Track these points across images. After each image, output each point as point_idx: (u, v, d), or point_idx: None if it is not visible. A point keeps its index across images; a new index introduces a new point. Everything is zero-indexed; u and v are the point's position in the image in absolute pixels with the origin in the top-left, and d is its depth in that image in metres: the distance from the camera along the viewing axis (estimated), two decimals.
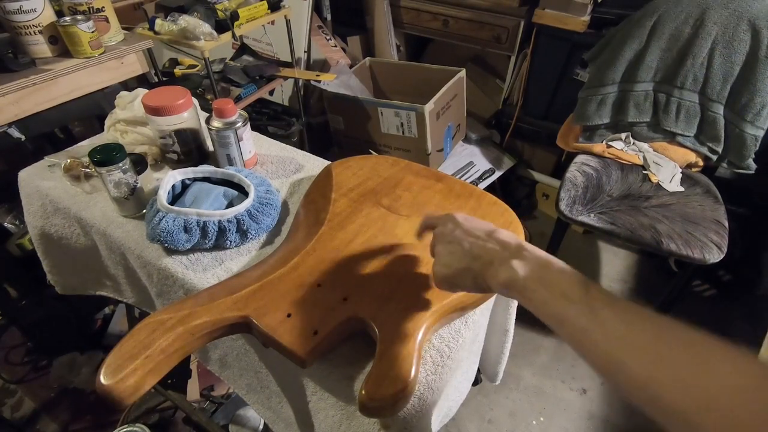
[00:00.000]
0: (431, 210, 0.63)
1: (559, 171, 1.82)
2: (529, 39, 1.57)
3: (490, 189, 1.72)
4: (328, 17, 1.86)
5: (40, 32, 0.95)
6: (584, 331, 0.32)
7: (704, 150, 1.29)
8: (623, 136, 1.37)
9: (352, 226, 0.59)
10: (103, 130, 0.83)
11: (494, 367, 0.82)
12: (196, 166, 0.68)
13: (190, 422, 1.15)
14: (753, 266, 1.54)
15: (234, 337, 0.62)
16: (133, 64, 1.11)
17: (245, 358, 0.63)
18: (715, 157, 1.29)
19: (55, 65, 0.96)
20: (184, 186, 0.67)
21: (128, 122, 0.77)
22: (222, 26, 1.25)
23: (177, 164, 0.75)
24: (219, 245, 0.63)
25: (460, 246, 0.42)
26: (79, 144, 0.84)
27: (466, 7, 1.64)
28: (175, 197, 0.66)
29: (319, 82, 1.62)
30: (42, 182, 0.75)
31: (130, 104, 0.78)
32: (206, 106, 1.22)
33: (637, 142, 1.36)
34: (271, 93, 1.73)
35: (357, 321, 0.48)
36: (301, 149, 0.84)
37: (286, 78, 1.56)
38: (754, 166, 1.24)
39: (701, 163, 1.33)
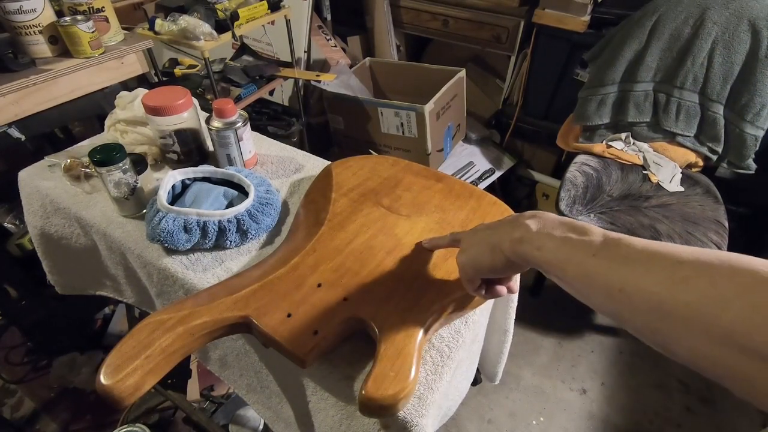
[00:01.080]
0: (431, 210, 0.63)
1: (559, 171, 1.82)
2: (529, 39, 1.57)
3: (490, 189, 1.72)
4: (328, 17, 1.86)
5: (40, 32, 0.95)
6: (595, 268, 0.33)
7: (704, 150, 1.29)
8: (623, 136, 1.37)
9: (352, 226, 0.59)
10: (103, 130, 0.83)
11: (494, 367, 0.82)
12: (196, 166, 0.68)
13: (190, 422, 1.15)
14: None
15: (234, 337, 0.62)
16: (133, 64, 1.11)
17: (245, 358, 0.63)
18: (715, 157, 1.29)
19: (55, 65, 0.96)
20: (184, 186, 0.67)
21: (128, 122, 0.77)
22: (222, 26, 1.25)
23: (177, 164, 0.75)
24: (219, 245, 0.63)
25: (481, 231, 0.46)
26: (79, 144, 0.84)
27: (465, 7, 1.64)
28: (175, 197, 0.66)
29: (319, 82, 1.62)
30: (42, 182, 0.75)
31: (130, 104, 0.78)
32: (206, 106, 1.22)
33: (637, 142, 1.36)
34: (271, 93, 1.74)
35: (357, 321, 0.48)
36: (301, 149, 0.84)
37: (286, 78, 1.56)
38: (754, 166, 1.24)
39: (701, 163, 1.33)
